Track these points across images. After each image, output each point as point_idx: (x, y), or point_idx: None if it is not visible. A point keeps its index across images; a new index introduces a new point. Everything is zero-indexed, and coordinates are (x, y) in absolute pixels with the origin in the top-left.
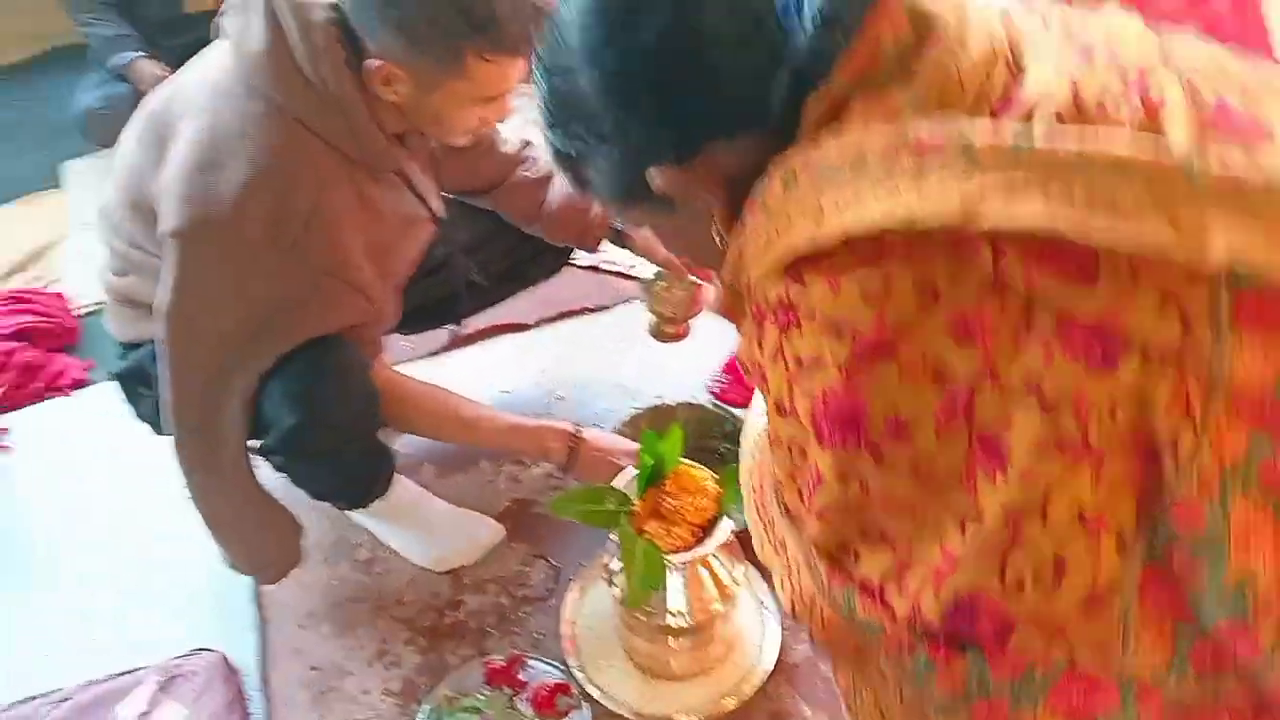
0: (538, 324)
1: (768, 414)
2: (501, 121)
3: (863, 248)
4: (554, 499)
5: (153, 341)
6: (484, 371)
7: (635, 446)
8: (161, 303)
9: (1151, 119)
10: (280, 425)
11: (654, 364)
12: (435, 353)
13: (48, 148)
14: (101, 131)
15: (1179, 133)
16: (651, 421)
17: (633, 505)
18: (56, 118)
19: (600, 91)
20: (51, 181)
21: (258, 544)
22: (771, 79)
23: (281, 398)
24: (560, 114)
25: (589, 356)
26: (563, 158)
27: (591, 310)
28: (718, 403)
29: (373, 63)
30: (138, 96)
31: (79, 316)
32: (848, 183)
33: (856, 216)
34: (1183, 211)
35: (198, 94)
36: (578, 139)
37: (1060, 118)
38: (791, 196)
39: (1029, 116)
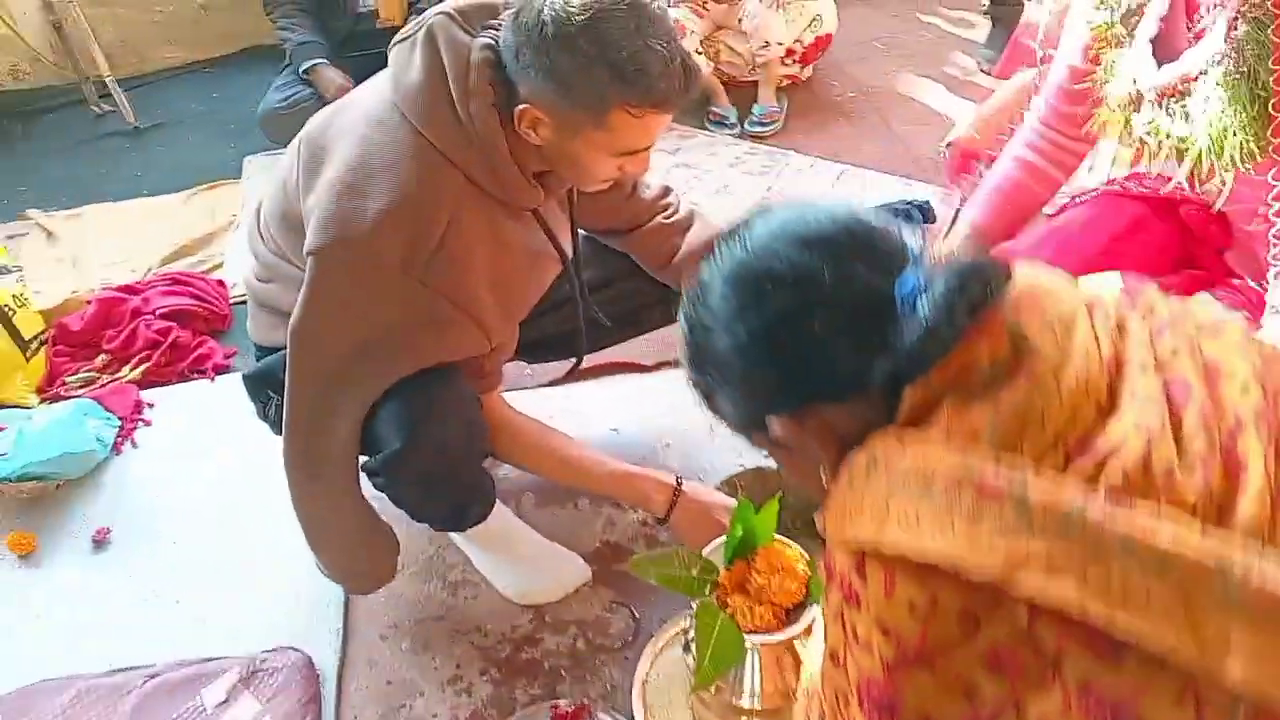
0: (656, 367)
1: (824, 653)
2: (641, 174)
3: (917, 566)
4: (635, 558)
5: (285, 348)
6: (596, 407)
7: (735, 503)
8: (294, 315)
9: (1229, 481)
10: (385, 448)
11: None
12: (552, 383)
13: (233, 141)
14: (280, 131)
15: (1249, 506)
16: (751, 484)
17: (717, 575)
18: (244, 113)
19: (729, 349)
20: (232, 173)
21: (353, 555)
22: (876, 364)
23: (390, 421)
24: (697, 357)
25: (691, 411)
26: (696, 386)
27: None
28: None
29: (521, 106)
30: (319, 101)
31: (233, 304)
32: (914, 499)
33: (913, 543)
34: (1210, 621)
35: (354, 120)
36: (709, 379)
37: (1127, 479)
38: (870, 483)
39: (1100, 467)
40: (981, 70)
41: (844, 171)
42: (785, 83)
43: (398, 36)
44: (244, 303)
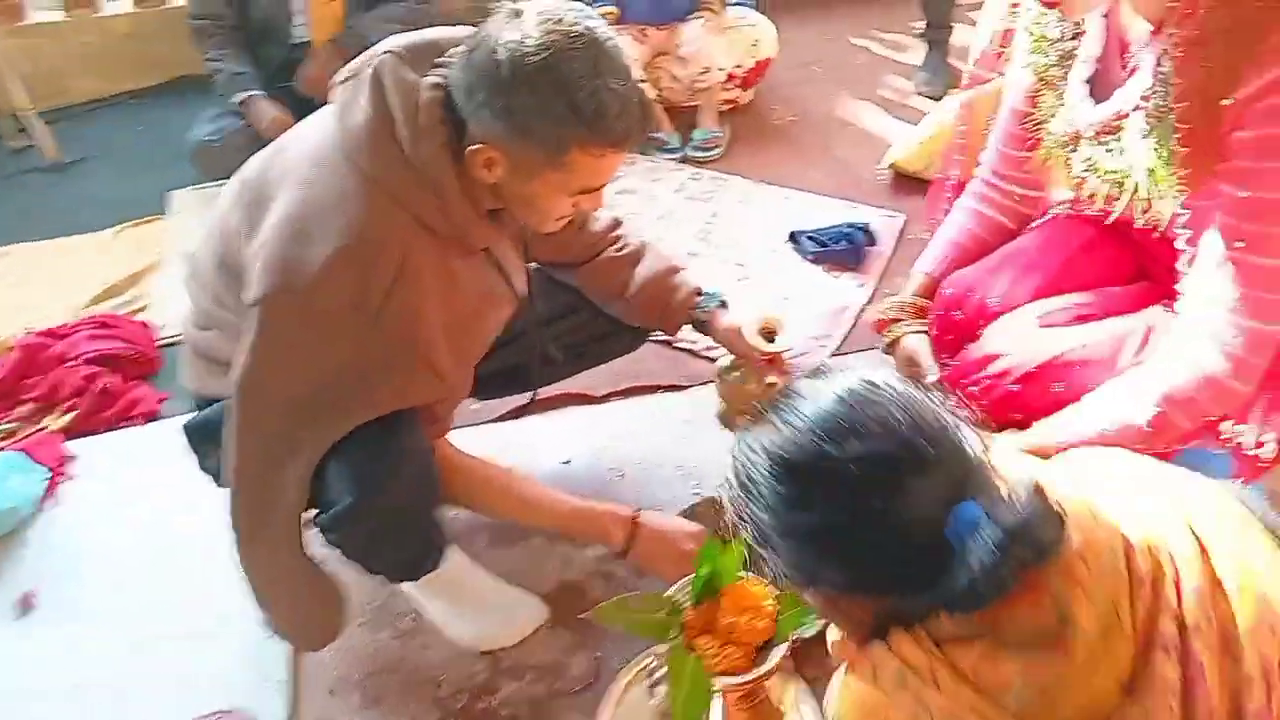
0: (606, 397)
1: None
2: (595, 211)
3: None
4: (599, 607)
5: (226, 398)
6: (546, 440)
7: (697, 528)
8: (236, 366)
9: None
10: (337, 503)
11: (721, 450)
12: (501, 418)
13: (159, 174)
14: (209, 164)
15: None
16: (709, 515)
17: (683, 616)
18: (172, 146)
19: (774, 529)
20: (158, 208)
21: (301, 612)
22: (921, 589)
23: (341, 476)
24: (741, 507)
25: (655, 436)
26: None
27: (663, 389)
28: None
29: (474, 146)
30: (251, 134)
31: (161, 347)
32: None
33: None
34: None
35: (297, 162)
36: (757, 539)
37: None
38: (898, 697)
39: None
40: (917, 92)
41: (787, 196)
42: (726, 107)
43: (340, 75)
44: (175, 344)
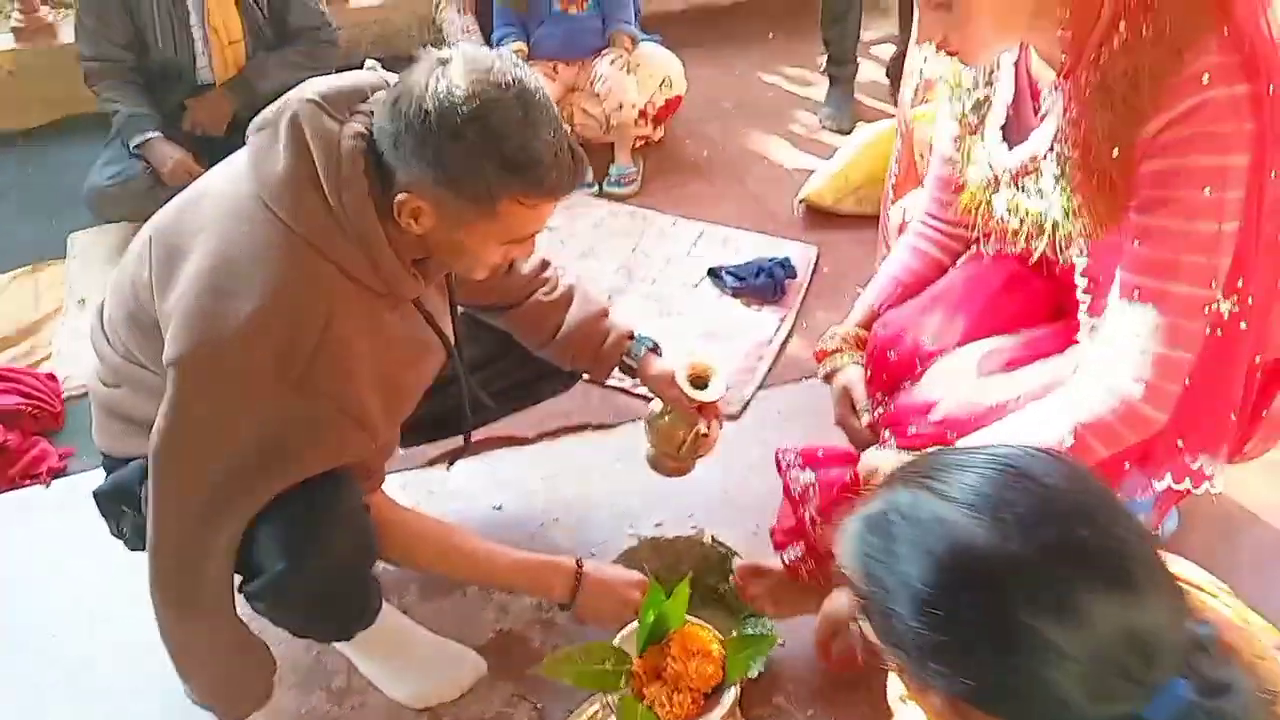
0: (537, 438)
1: None
2: (526, 258)
3: None
4: (546, 661)
5: (139, 459)
6: (476, 484)
7: (639, 577)
8: (156, 431)
9: None
10: (267, 571)
11: (655, 489)
12: (430, 463)
13: (54, 217)
14: (108, 209)
15: None
16: (649, 557)
17: (631, 665)
18: (65, 187)
19: (908, 628)
20: (54, 252)
21: (227, 680)
22: None
23: (270, 542)
24: (866, 588)
25: (587, 476)
26: (862, 610)
27: (594, 427)
28: (717, 539)
29: (401, 196)
30: (151, 177)
31: (67, 399)
32: None
33: None
34: None
35: (213, 213)
36: (884, 635)
37: None
38: None
39: None
40: (823, 127)
41: (704, 230)
42: (639, 143)
43: (256, 122)
44: (80, 398)
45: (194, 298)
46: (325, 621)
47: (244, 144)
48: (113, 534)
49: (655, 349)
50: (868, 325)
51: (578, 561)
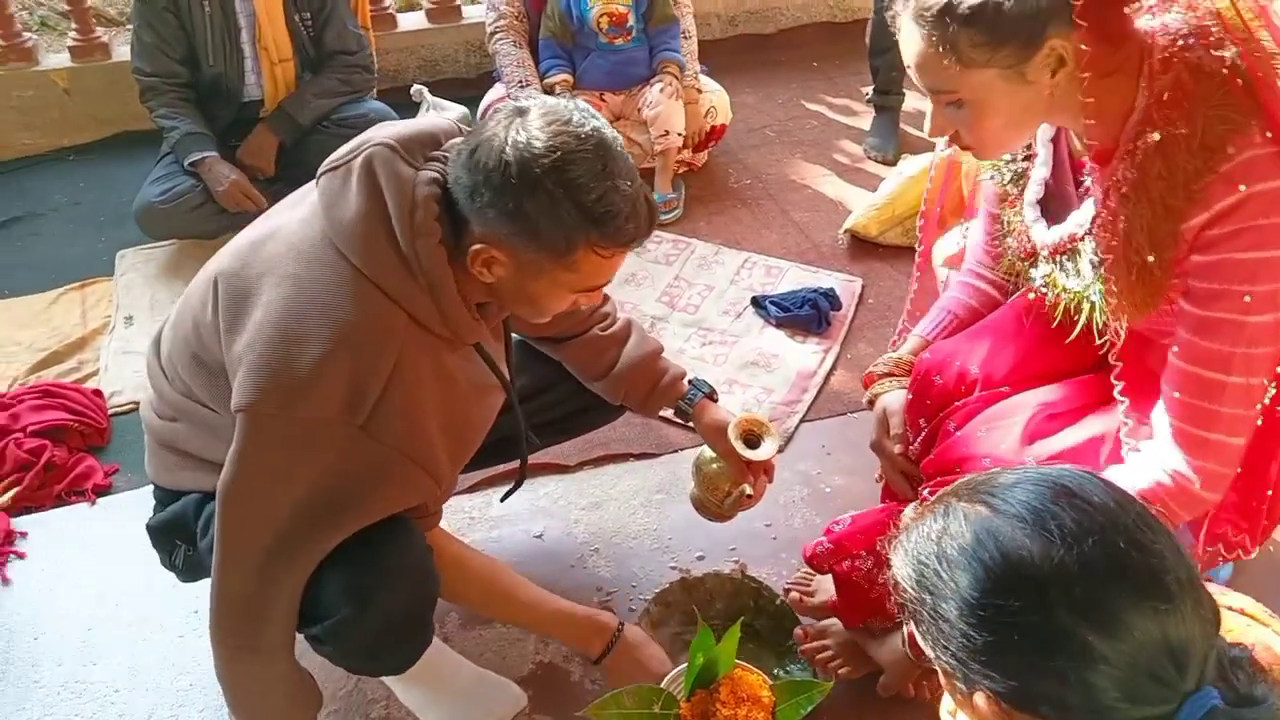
0: (579, 466)
1: None
2: (593, 304)
3: None
4: (594, 704)
5: (193, 492)
6: (518, 512)
7: (668, 666)
8: (224, 476)
9: None
10: (332, 615)
11: (696, 521)
12: (471, 489)
13: (104, 234)
14: (158, 226)
15: None
16: (679, 598)
17: (679, 709)
18: (115, 204)
19: (961, 647)
20: (103, 268)
21: (276, 715)
22: None
23: (335, 587)
24: (917, 592)
25: (629, 506)
26: (910, 616)
27: (636, 457)
28: (747, 574)
29: (476, 246)
30: (201, 194)
31: (113, 415)
32: None
33: None
34: None
35: (281, 255)
36: (932, 639)
37: None
38: None
39: None
40: (868, 157)
41: (747, 259)
42: (680, 169)
43: (328, 163)
44: (125, 414)
45: (264, 344)
46: (386, 660)
47: (290, 169)
48: (164, 565)
49: (711, 395)
50: (919, 354)
51: (620, 624)
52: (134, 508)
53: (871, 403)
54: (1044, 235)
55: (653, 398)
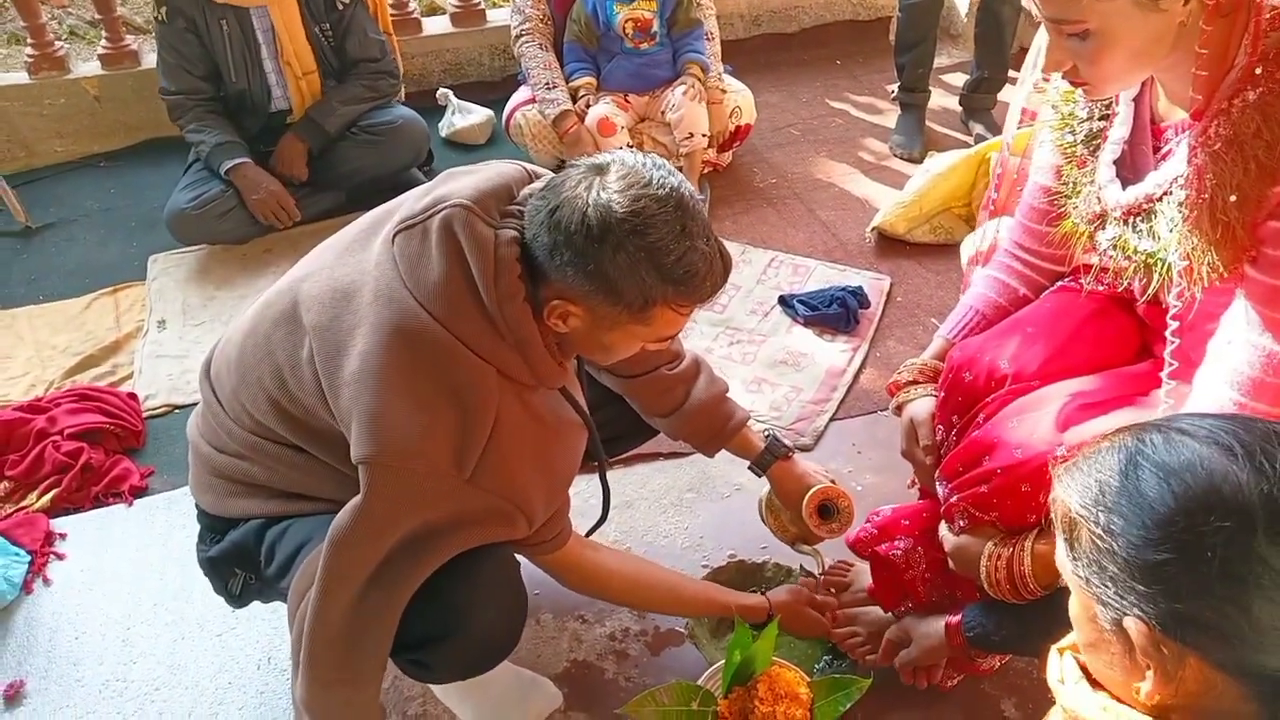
0: (611, 465)
1: None
2: (662, 349)
3: None
4: (630, 702)
5: (251, 518)
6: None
7: (824, 624)
8: (344, 522)
9: None
10: (434, 640)
11: (728, 519)
12: None
13: (135, 239)
14: (189, 232)
15: None
16: (733, 578)
17: (717, 706)
18: (146, 209)
19: (1128, 564)
20: (136, 274)
21: None
22: None
23: (434, 613)
24: (1080, 533)
25: (660, 504)
26: (1068, 536)
27: (666, 456)
28: (806, 569)
29: (555, 302)
30: (230, 200)
31: (148, 418)
32: None
33: None
34: None
35: (372, 311)
36: (1089, 560)
37: None
38: None
39: None
40: (894, 154)
41: (774, 258)
42: (706, 169)
43: (403, 222)
44: (160, 417)
45: (372, 396)
46: (478, 671)
47: (320, 175)
48: (217, 592)
49: (788, 455)
50: (944, 358)
51: (769, 601)
52: (170, 509)
53: (899, 410)
54: (1118, 196)
55: (715, 438)
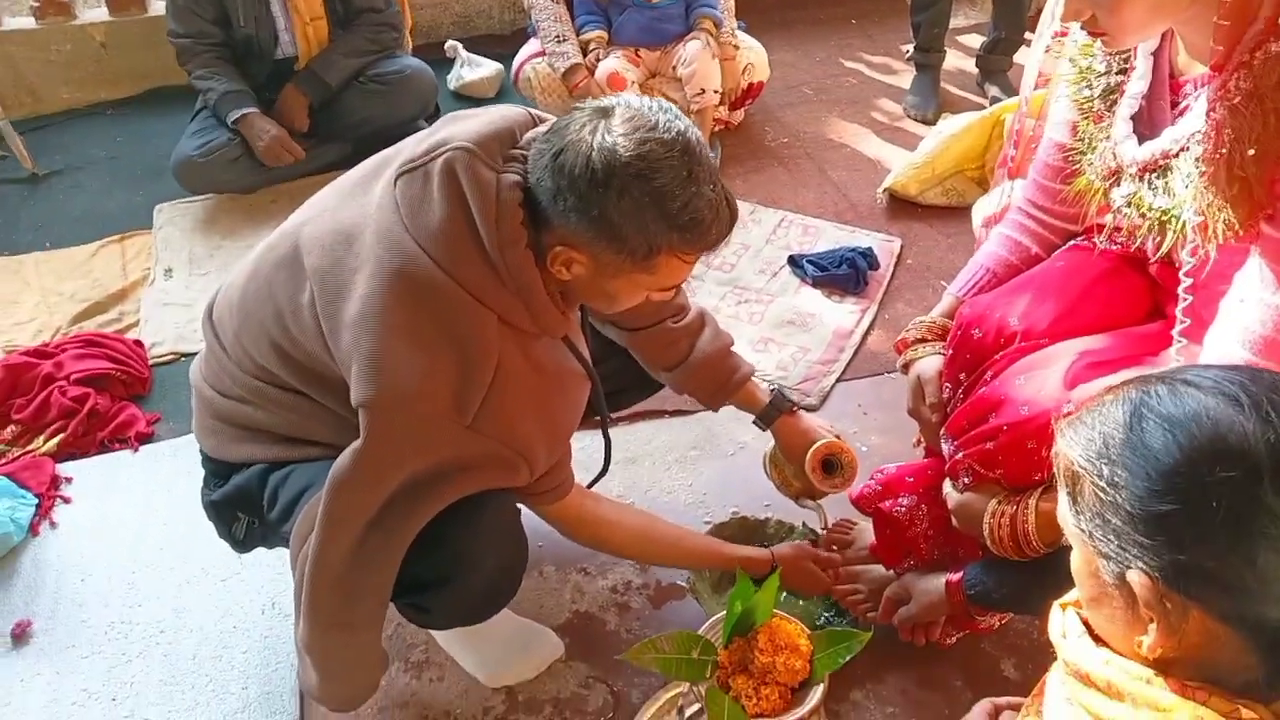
0: (614, 422)
1: None
2: (667, 299)
3: None
4: (632, 649)
5: (254, 463)
6: None
7: (826, 581)
8: (344, 465)
9: None
10: (435, 585)
11: (730, 477)
12: None
13: (142, 187)
14: (195, 180)
15: None
16: (735, 534)
17: (717, 655)
18: (153, 158)
19: (1131, 516)
20: (142, 221)
21: (353, 684)
22: None
23: (435, 559)
24: (1083, 485)
25: (663, 462)
26: (1070, 490)
27: (670, 414)
28: (809, 525)
29: (558, 248)
30: (237, 148)
31: (155, 365)
32: None
33: None
34: None
35: (374, 255)
36: (1092, 513)
37: None
38: None
39: None
40: (908, 116)
41: (784, 218)
42: (717, 127)
43: (405, 165)
44: (166, 364)
45: (372, 339)
46: (479, 617)
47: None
48: (221, 536)
49: (793, 410)
50: (953, 316)
51: (771, 554)
52: (176, 456)
53: (906, 368)
54: (1134, 151)
55: (719, 392)
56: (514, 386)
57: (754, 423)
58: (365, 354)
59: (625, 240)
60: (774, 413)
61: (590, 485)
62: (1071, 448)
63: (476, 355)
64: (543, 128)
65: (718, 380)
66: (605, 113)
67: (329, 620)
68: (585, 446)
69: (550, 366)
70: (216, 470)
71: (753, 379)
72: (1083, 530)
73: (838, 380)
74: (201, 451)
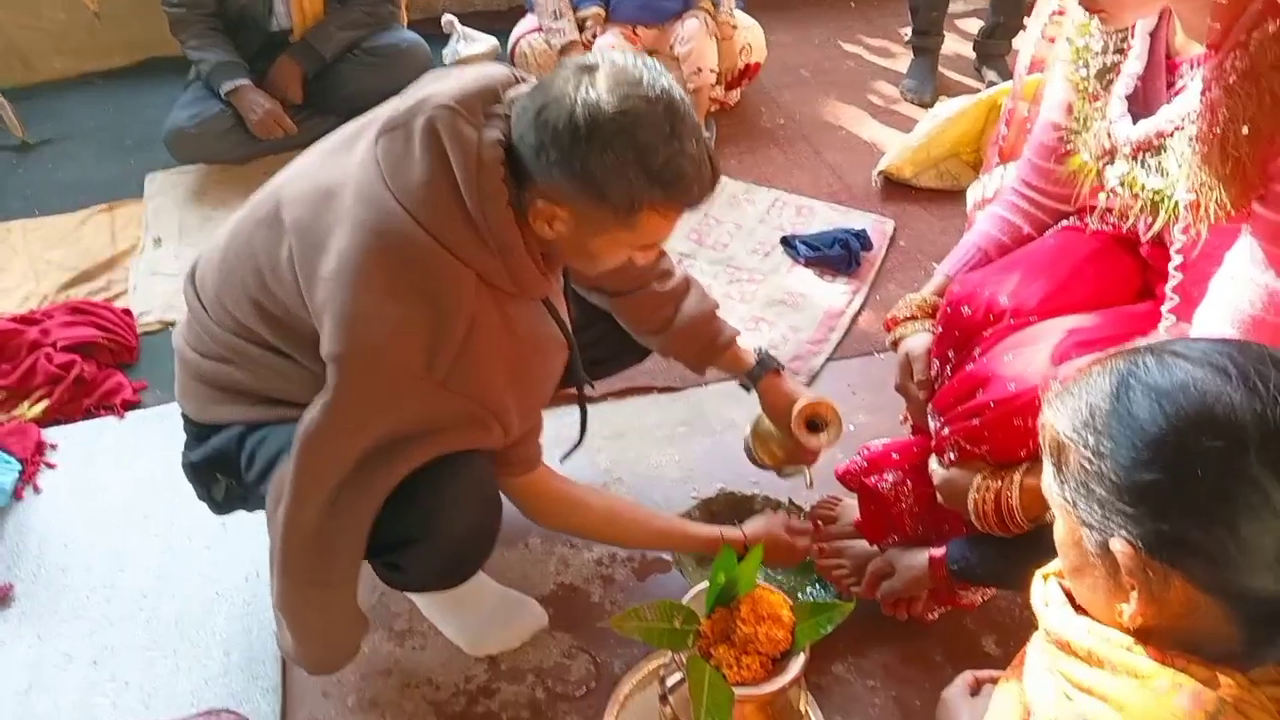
0: (603, 398)
1: None
2: (650, 260)
3: None
4: (616, 616)
5: (233, 424)
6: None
7: (803, 545)
8: (310, 418)
9: None
10: (407, 544)
11: (719, 453)
12: None
13: (132, 157)
14: (187, 150)
15: None
16: (723, 509)
17: (700, 625)
18: (144, 127)
19: (1115, 485)
20: (132, 191)
21: (331, 645)
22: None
23: (407, 518)
24: (1068, 455)
25: (652, 438)
26: (1056, 460)
27: (660, 390)
28: (795, 502)
29: (539, 204)
30: (228, 119)
31: (142, 335)
32: None
33: None
34: None
35: (352, 213)
36: (1076, 483)
37: None
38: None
39: None
40: (905, 99)
41: (778, 198)
42: (713, 107)
43: (387, 124)
44: (154, 333)
45: (344, 292)
46: (453, 578)
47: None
48: (200, 498)
49: (778, 370)
50: (943, 294)
51: (743, 532)
52: (162, 423)
53: (895, 345)
54: (1129, 130)
55: (704, 355)
56: (488, 345)
57: (740, 384)
58: (338, 307)
59: (607, 195)
60: (760, 371)
61: (566, 455)
62: (1058, 418)
63: (449, 311)
64: (525, 86)
65: (703, 342)
66: (589, 69)
67: (302, 578)
68: (564, 420)
69: (527, 329)
70: (197, 433)
71: (737, 341)
72: (1067, 500)
73: (827, 360)
74: (183, 414)
